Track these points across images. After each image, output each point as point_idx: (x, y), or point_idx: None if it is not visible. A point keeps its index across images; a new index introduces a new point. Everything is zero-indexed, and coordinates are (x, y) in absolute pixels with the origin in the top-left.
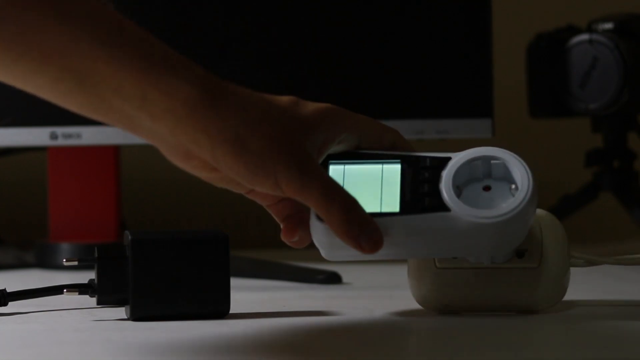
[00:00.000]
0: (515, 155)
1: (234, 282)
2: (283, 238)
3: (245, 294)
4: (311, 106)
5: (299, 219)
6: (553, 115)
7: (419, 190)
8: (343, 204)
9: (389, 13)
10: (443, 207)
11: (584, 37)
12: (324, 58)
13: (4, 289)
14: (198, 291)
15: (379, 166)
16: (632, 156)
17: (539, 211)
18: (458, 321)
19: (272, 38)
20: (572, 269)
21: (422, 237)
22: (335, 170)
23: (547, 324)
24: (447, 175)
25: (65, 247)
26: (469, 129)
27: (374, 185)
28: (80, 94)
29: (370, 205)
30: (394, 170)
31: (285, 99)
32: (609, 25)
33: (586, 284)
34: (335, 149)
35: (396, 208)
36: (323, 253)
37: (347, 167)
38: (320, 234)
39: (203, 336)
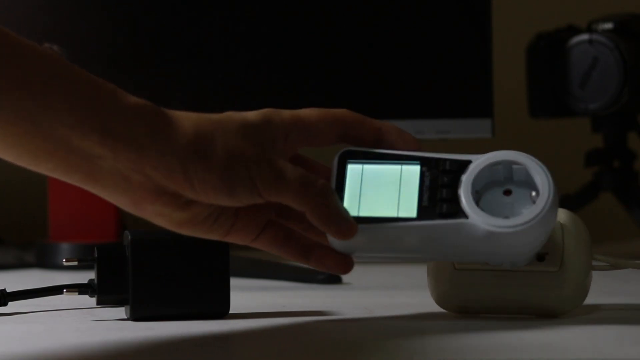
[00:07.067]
0: (536, 160)
1: (234, 282)
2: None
3: (245, 294)
4: (250, 112)
5: (298, 246)
6: (553, 115)
7: (437, 195)
8: (320, 192)
9: (389, 13)
10: (461, 214)
11: (584, 37)
12: (324, 58)
13: (4, 289)
14: (198, 291)
15: (398, 167)
16: (632, 156)
17: (562, 211)
18: (461, 322)
19: (272, 38)
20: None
21: (438, 243)
22: (353, 170)
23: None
24: (466, 179)
25: (65, 247)
26: (469, 129)
27: (392, 187)
28: (36, 136)
29: (387, 209)
30: (412, 171)
31: (225, 113)
32: (609, 25)
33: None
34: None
35: (413, 213)
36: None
37: (366, 166)
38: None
39: (203, 336)
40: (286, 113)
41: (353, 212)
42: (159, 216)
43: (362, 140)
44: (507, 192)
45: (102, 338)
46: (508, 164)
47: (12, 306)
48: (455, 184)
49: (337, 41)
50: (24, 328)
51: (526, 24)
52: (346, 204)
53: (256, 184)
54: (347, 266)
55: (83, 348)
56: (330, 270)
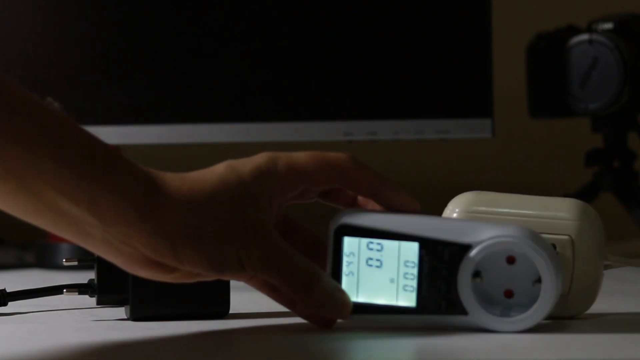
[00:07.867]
0: (536, 243)
1: (234, 282)
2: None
3: (245, 294)
4: (247, 166)
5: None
6: (553, 115)
7: (436, 286)
8: (305, 281)
9: (389, 13)
10: (460, 310)
11: (584, 37)
12: (324, 58)
13: (4, 289)
14: (198, 291)
15: (396, 244)
16: (632, 156)
17: (574, 209)
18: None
19: (271, 38)
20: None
21: (437, 325)
22: (350, 244)
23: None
24: (466, 274)
25: (65, 247)
26: (469, 129)
27: (391, 266)
28: (26, 195)
29: (386, 293)
30: (411, 251)
31: (220, 168)
32: (609, 25)
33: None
34: (288, 201)
35: (412, 303)
36: None
37: (363, 241)
38: None
39: (203, 336)
40: (282, 162)
41: (351, 297)
42: (153, 277)
43: (357, 190)
44: (511, 259)
45: (102, 338)
46: (508, 249)
47: (12, 306)
48: (454, 277)
49: (337, 41)
50: (24, 328)
51: (526, 24)
52: (344, 287)
53: (244, 266)
54: (331, 324)
55: (83, 348)
56: (314, 323)
